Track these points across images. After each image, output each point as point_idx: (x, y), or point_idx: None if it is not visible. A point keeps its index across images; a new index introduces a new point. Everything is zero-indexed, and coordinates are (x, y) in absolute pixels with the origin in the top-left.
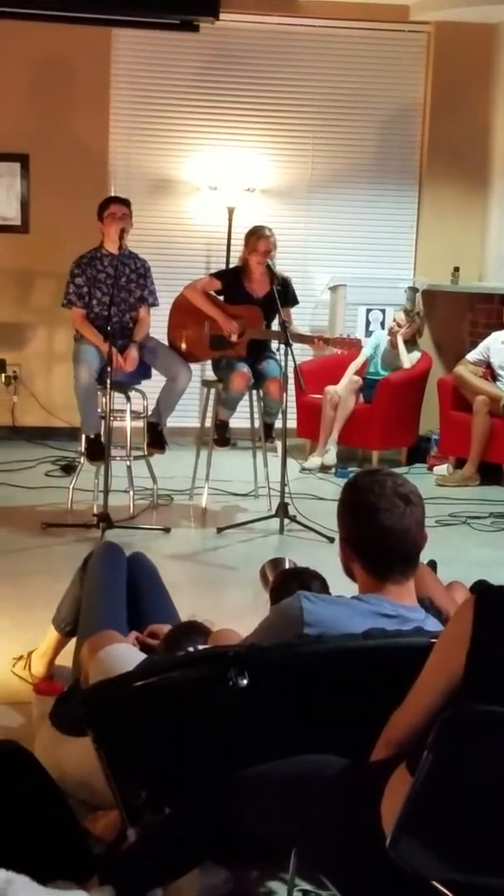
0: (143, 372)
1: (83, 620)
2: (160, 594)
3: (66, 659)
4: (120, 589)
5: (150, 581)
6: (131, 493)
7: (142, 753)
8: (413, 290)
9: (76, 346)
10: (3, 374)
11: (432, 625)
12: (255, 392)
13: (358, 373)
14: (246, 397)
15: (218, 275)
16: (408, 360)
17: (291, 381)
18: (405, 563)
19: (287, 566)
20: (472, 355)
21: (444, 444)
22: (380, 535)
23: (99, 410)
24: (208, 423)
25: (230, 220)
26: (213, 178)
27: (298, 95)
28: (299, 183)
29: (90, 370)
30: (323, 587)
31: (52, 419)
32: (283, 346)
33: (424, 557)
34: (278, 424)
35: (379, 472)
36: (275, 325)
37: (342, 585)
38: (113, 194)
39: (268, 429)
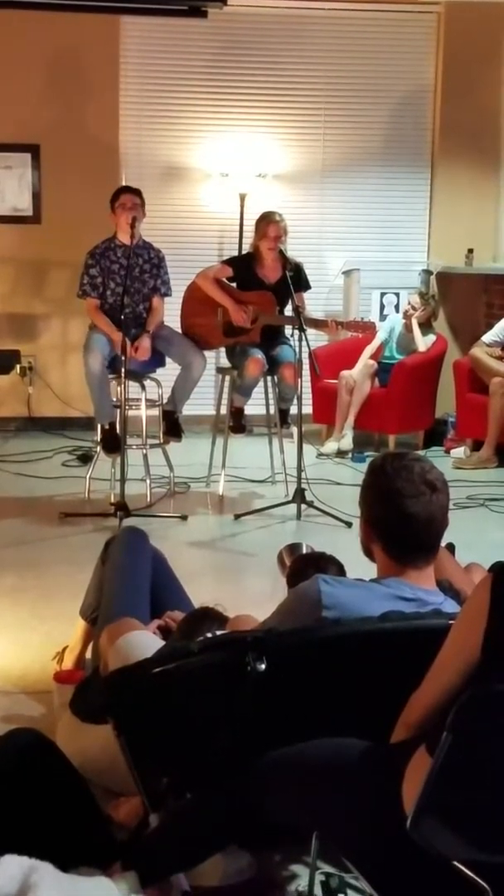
0: (157, 360)
1: (103, 608)
2: (172, 581)
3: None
4: (143, 574)
5: (161, 567)
6: (148, 481)
7: (162, 739)
8: (427, 272)
9: (87, 335)
10: (18, 366)
11: (451, 607)
12: (269, 378)
13: (373, 357)
14: (261, 384)
15: (229, 261)
16: (423, 343)
17: (306, 366)
18: (427, 549)
19: (304, 551)
20: (488, 337)
21: (461, 426)
22: (404, 521)
23: (114, 399)
24: (224, 410)
25: (242, 206)
26: (225, 164)
27: (308, 79)
28: (311, 168)
29: (99, 358)
30: (340, 572)
31: (68, 409)
32: (297, 332)
33: (443, 540)
34: (294, 410)
35: (406, 456)
36: (288, 311)
37: (359, 570)
38: (124, 183)
39: (283, 415)
